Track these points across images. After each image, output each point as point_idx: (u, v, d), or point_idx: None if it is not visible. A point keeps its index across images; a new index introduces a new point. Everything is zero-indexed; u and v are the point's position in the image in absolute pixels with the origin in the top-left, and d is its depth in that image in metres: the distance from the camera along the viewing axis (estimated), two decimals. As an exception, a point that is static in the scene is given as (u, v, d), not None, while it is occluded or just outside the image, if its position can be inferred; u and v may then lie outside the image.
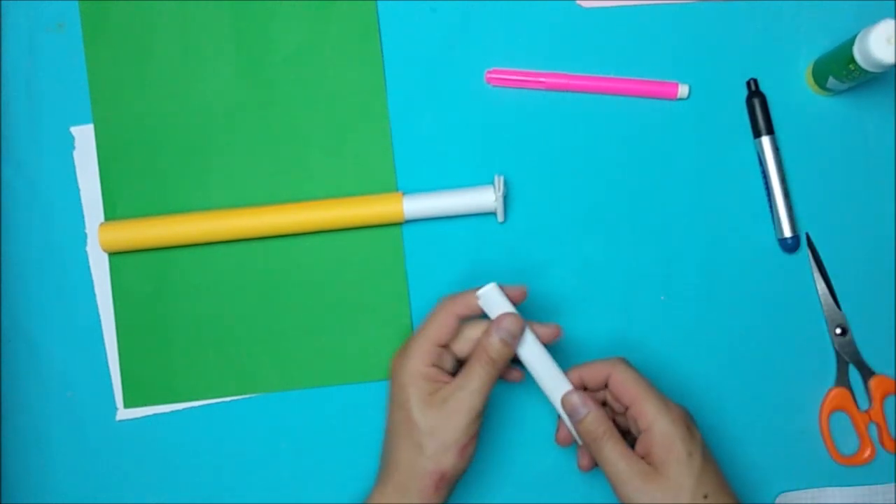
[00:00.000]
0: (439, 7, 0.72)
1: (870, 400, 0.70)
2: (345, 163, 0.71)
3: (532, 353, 0.62)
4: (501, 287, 0.62)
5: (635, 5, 0.71)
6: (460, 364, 0.63)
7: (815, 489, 0.70)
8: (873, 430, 0.71)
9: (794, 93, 0.71)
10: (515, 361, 0.63)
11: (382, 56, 0.72)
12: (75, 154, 0.72)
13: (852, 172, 0.71)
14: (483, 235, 0.71)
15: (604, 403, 0.63)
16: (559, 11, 0.72)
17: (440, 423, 0.60)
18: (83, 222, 0.71)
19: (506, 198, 0.70)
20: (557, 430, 0.64)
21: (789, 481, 0.70)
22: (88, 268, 0.71)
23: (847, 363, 0.70)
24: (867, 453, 0.70)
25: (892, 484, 0.70)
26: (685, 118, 0.71)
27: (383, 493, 0.61)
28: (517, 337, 0.61)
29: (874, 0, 0.71)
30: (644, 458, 0.59)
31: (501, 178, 0.68)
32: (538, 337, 0.63)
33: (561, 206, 0.71)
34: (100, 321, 0.71)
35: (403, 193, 0.69)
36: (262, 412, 0.71)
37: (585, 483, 0.69)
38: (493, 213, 0.69)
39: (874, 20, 0.62)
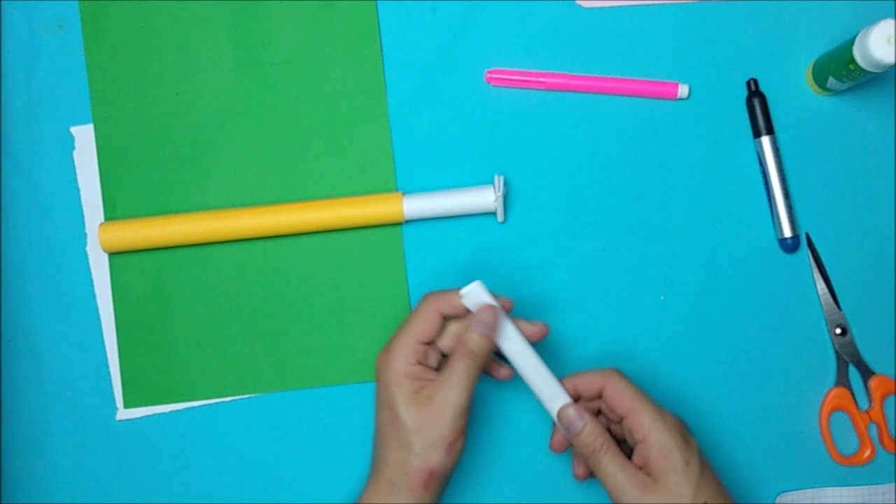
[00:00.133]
0: (439, 7, 0.72)
1: (870, 400, 0.70)
2: (345, 163, 0.71)
3: (525, 359, 0.62)
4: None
5: (635, 5, 0.71)
6: (446, 360, 0.63)
7: (815, 489, 0.70)
8: (873, 430, 0.71)
9: (794, 93, 0.71)
10: (502, 357, 0.63)
11: (382, 56, 0.72)
12: (75, 154, 0.72)
13: (852, 172, 0.71)
14: (483, 235, 0.71)
15: (598, 412, 0.63)
16: (559, 11, 0.72)
17: (426, 421, 0.60)
18: (83, 222, 0.71)
19: (506, 198, 0.70)
20: (552, 436, 0.64)
21: (789, 481, 0.70)
22: (88, 268, 0.71)
23: (847, 363, 0.70)
24: (867, 453, 0.70)
25: (892, 484, 0.70)
26: (685, 118, 0.71)
27: (374, 492, 0.61)
28: (495, 328, 0.61)
29: (874, 0, 0.71)
30: (641, 468, 0.59)
31: (501, 178, 0.68)
32: (527, 338, 0.62)
33: (561, 206, 0.71)
34: (100, 321, 0.71)
35: (403, 193, 0.69)
36: (262, 412, 0.71)
37: (583, 484, 0.69)
38: (493, 213, 0.69)
39: (874, 20, 0.62)
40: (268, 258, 0.71)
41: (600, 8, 0.71)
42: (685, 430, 0.60)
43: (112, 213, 0.71)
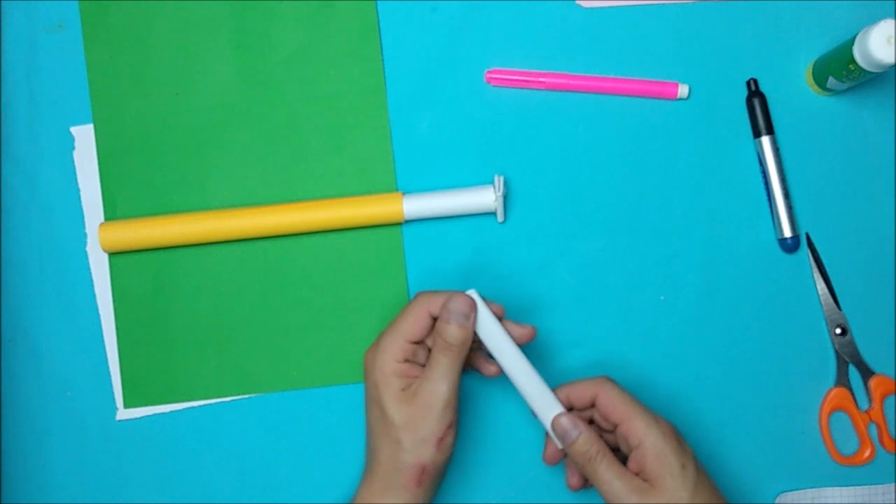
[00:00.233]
0: (439, 7, 0.72)
1: (870, 400, 0.70)
2: (345, 163, 0.71)
3: (518, 369, 0.62)
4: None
5: (635, 5, 0.71)
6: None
7: (815, 489, 0.70)
8: (873, 430, 0.71)
9: (794, 93, 0.71)
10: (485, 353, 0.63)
11: (382, 56, 0.72)
12: (75, 154, 0.72)
13: (852, 172, 0.71)
14: (483, 235, 0.71)
15: (590, 422, 0.63)
16: (559, 11, 0.72)
17: (414, 418, 0.60)
18: (83, 222, 0.71)
19: (506, 198, 0.70)
20: (545, 448, 0.64)
21: (789, 481, 0.70)
22: (88, 268, 0.71)
23: (847, 363, 0.70)
24: (867, 453, 0.70)
25: (892, 484, 0.70)
26: (685, 118, 0.71)
27: (369, 490, 0.61)
28: (468, 316, 0.61)
29: (874, 0, 0.71)
30: (638, 474, 0.59)
31: (501, 178, 0.68)
32: (515, 340, 0.62)
33: (561, 206, 0.71)
34: (100, 321, 0.71)
35: (403, 193, 0.69)
36: (262, 412, 0.71)
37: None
38: (493, 213, 0.69)
39: (874, 20, 0.62)
40: (268, 258, 0.71)
41: (600, 8, 0.71)
42: (679, 435, 0.60)
43: (112, 213, 0.71)
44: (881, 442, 0.70)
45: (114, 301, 0.71)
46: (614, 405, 0.61)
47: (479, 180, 0.71)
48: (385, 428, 0.61)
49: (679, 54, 0.71)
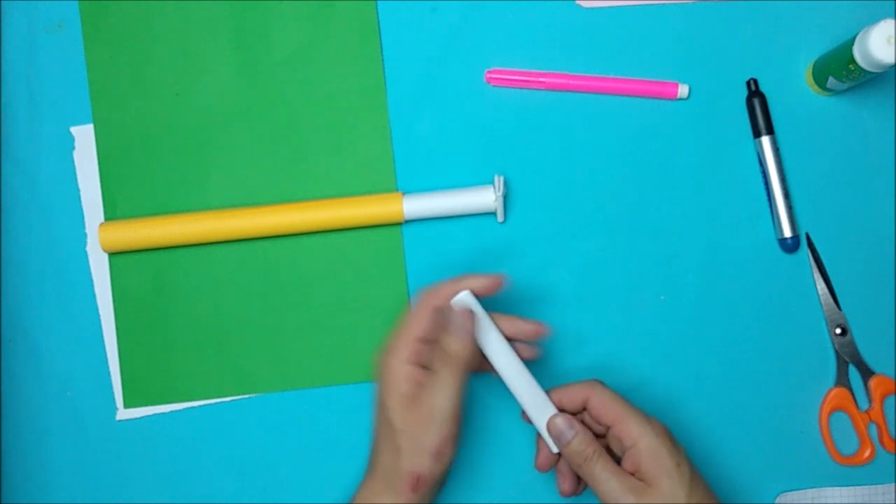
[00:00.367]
0: (439, 7, 0.72)
1: (870, 400, 0.70)
2: (345, 163, 0.71)
3: (511, 371, 0.62)
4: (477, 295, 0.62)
5: (635, 5, 0.71)
6: None
7: (815, 489, 0.70)
8: (873, 430, 0.71)
9: (794, 93, 0.71)
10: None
11: (382, 56, 0.72)
12: (75, 154, 0.72)
13: (852, 172, 0.71)
14: (483, 235, 0.71)
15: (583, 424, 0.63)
16: (559, 11, 0.72)
17: (415, 426, 0.60)
18: (83, 222, 0.71)
19: (506, 198, 0.70)
20: (537, 455, 0.64)
21: (789, 481, 0.70)
22: (88, 268, 0.71)
23: (847, 363, 0.70)
24: (867, 453, 0.70)
25: (892, 484, 0.70)
26: (685, 118, 0.71)
27: (368, 491, 0.61)
28: (473, 332, 0.61)
29: (874, 0, 0.71)
30: (633, 474, 0.59)
31: (501, 178, 0.68)
32: (518, 352, 0.62)
33: (561, 205, 0.71)
34: (100, 321, 0.71)
35: (403, 193, 0.69)
36: (262, 412, 0.71)
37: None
38: (493, 213, 0.69)
39: (874, 20, 0.62)
40: (268, 258, 0.71)
41: (600, 8, 0.72)
42: (672, 435, 0.61)
43: (112, 213, 0.71)
44: (881, 442, 0.70)
45: (114, 301, 0.71)
46: (607, 407, 0.61)
47: (479, 180, 0.71)
48: (387, 432, 0.61)
49: (679, 54, 0.71)
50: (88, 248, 0.71)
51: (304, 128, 0.71)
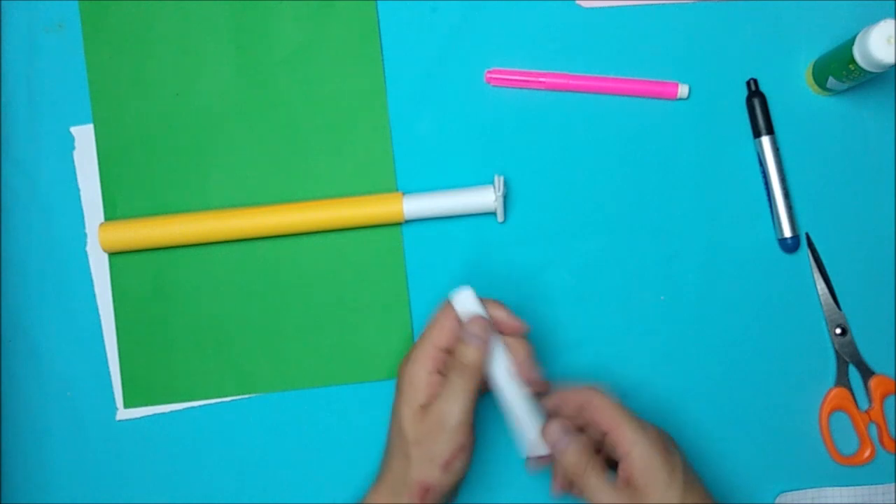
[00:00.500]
0: (439, 7, 0.72)
1: (870, 400, 0.70)
2: (345, 163, 0.71)
3: (504, 378, 0.62)
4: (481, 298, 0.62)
5: (635, 5, 0.71)
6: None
7: (815, 489, 0.70)
8: (873, 430, 0.71)
9: (794, 93, 0.71)
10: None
11: (382, 56, 0.72)
12: (75, 154, 0.72)
13: (852, 172, 0.71)
14: (483, 235, 0.71)
15: (581, 429, 0.63)
16: (559, 11, 0.72)
17: (425, 436, 0.60)
18: (83, 222, 0.71)
19: (506, 198, 0.70)
20: (527, 460, 0.64)
21: (789, 481, 0.70)
22: (88, 268, 0.71)
23: (847, 363, 0.70)
24: (867, 453, 0.70)
25: (892, 484, 0.70)
26: (685, 118, 0.71)
27: (377, 494, 0.61)
28: (486, 340, 0.61)
29: (874, 0, 0.71)
30: (627, 483, 0.59)
31: (501, 178, 0.68)
32: (513, 364, 0.62)
33: (561, 206, 0.71)
34: (100, 321, 0.71)
35: (403, 193, 0.69)
36: (262, 412, 0.71)
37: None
38: (493, 213, 0.69)
39: (874, 20, 0.62)
40: (268, 258, 0.71)
41: (600, 8, 0.72)
42: (668, 443, 0.60)
43: (112, 213, 0.71)
44: (881, 442, 0.70)
45: (114, 301, 0.71)
46: (602, 413, 0.60)
47: (479, 180, 0.71)
48: (399, 440, 0.61)
49: (679, 54, 0.71)
50: (88, 248, 0.71)
51: (304, 128, 0.71)
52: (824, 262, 0.71)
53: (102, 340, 0.71)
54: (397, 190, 0.71)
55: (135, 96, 0.71)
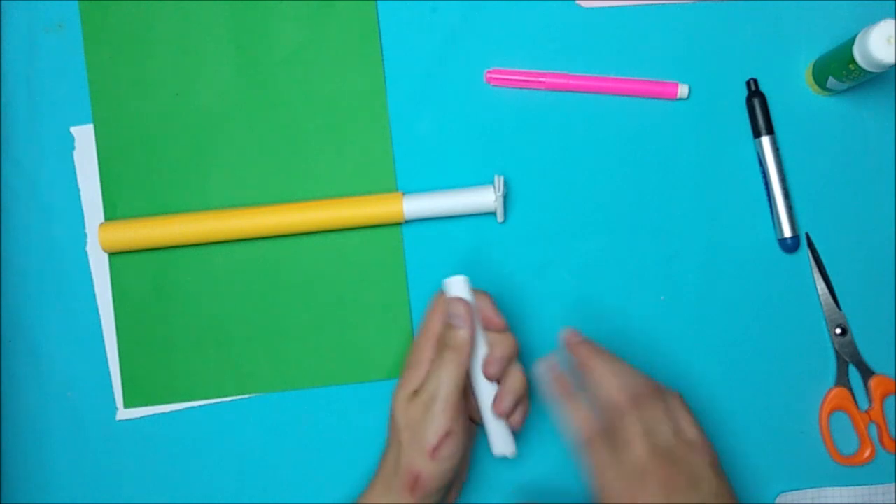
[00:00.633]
0: (439, 7, 0.72)
1: (870, 400, 0.70)
2: (345, 163, 0.71)
3: (477, 371, 0.62)
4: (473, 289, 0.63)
5: (635, 5, 0.71)
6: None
7: (815, 489, 0.70)
8: (873, 430, 0.71)
9: (794, 93, 0.71)
10: None
11: (382, 56, 0.72)
12: (75, 154, 0.72)
13: (852, 172, 0.71)
14: (483, 235, 0.71)
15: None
16: (559, 11, 0.72)
17: (413, 421, 0.59)
18: (83, 222, 0.71)
19: (506, 198, 0.70)
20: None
21: (789, 481, 0.70)
22: (88, 268, 0.71)
23: (847, 363, 0.70)
24: (867, 453, 0.70)
25: (892, 484, 0.70)
26: (685, 118, 0.71)
27: (372, 490, 0.61)
28: (469, 320, 0.60)
29: (874, 0, 0.71)
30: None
31: (501, 178, 0.68)
32: (485, 325, 0.63)
33: (561, 205, 0.71)
34: (100, 321, 0.71)
35: (403, 193, 0.69)
36: (262, 412, 0.71)
37: (585, 486, 0.69)
38: (493, 213, 0.69)
39: (874, 20, 0.62)
40: (268, 258, 0.71)
41: (600, 8, 0.72)
42: (643, 393, 0.60)
43: (112, 213, 0.71)
44: (881, 442, 0.70)
45: (114, 301, 0.71)
46: (579, 351, 0.62)
47: (479, 180, 0.71)
48: (394, 428, 0.61)
49: (679, 54, 0.71)
50: (88, 248, 0.71)
51: (304, 128, 0.71)
52: (824, 262, 0.71)
53: (102, 340, 0.71)
54: (397, 190, 0.71)
55: (135, 96, 0.71)
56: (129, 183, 0.71)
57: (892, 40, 0.61)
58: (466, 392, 0.62)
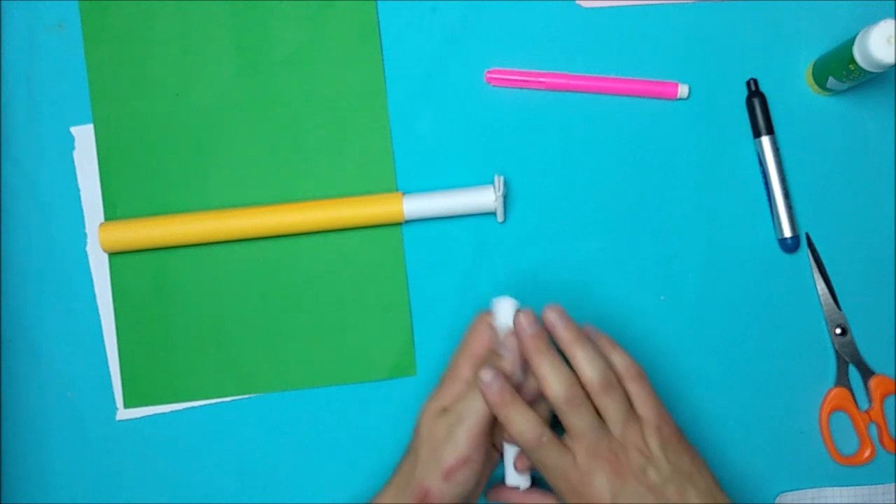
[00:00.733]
0: (439, 7, 0.72)
1: (870, 400, 0.70)
2: (345, 163, 0.71)
3: None
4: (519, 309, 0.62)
5: (635, 5, 0.71)
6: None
7: (815, 489, 0.70)
8: (873, 430, 0.71)
9: (794, 93, 0.71)
10: None
11: (382, 56, 0.72)
12: (75, 154, 0.72)
13: (852, 172, 0.71)
14: (483, 235, 0.71)
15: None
16: (559, 11, 0.72)
17: (436, 437, 0.59)
18: (83, 222, 0.71)
19: (506, 198, 0.70)
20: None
21: (789, 481, 0.70)
22: (88, 268, 0.71)
23: (847, 363, 0.70)
24: (867, 453, 0.70)
25: (892, 484, 0.70)
26: (685, 118, 0.71)
27: (384, 494, 0.61)
28: (512, 352, 0.60)
29: (874, 0, 0.71)
30: None
31: (501, 178, 0.68)
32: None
33: (561, 206, 0.71)
34: (100, 321, 0.71)
35: (403, 193, 0.69)
36: (262, 412, 0.71)
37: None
38: (493, 213, 0.69)
39: (874, 20, 0.62)
40: (268, 258, 0.71)
41: (600, 8, 0.72)
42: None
43: (112, 213, 0.71)
44: (881, 442, 0.70)
45: (114, 301, 0.71)
46: (559, 334, 0.60)
47: (479, 180, 0.71)
48: (416, 438, 0.61)
49: (679, 54, 0.71)
50: (88, 248, 0.71)
51: (304, 128, 0.71)
52: (824, 262, 0.71)
53: (102, 340, 0.71)
54: (397, 190, 0.71)
55: (135, 96, 0.71)
56: (129, 183, 0.71)
57: (892, 40, 0.61)
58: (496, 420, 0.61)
